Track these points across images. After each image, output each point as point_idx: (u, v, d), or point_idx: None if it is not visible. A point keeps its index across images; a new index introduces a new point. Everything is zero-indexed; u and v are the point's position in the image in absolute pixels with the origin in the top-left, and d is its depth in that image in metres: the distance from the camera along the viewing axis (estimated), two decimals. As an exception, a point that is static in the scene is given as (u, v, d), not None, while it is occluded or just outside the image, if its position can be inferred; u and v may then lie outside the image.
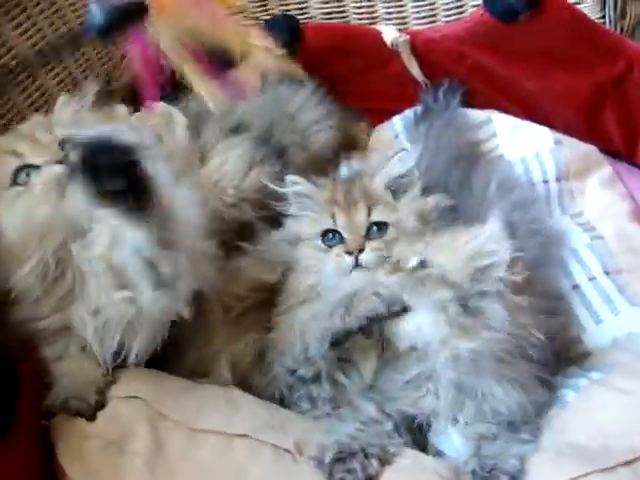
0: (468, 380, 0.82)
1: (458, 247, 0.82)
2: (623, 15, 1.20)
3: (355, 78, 1.27)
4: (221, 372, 0.96)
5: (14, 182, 0.83)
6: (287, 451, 0.83)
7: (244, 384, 0.96)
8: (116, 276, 0.84)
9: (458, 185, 1.05)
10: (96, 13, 0.68)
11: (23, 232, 0.81)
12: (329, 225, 0.94)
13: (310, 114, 1.19)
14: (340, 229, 0.94)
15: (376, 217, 0.94)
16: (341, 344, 0.86)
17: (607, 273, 1.01)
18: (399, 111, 1.28)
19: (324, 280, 0.93)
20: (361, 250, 0.91)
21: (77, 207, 0.81)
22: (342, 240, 0.94)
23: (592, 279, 1.01)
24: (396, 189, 0.97)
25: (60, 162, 0.82)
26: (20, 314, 0.86)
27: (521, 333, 0.82)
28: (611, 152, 1.20)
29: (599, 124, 1.17)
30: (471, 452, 0.81)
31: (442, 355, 0.80)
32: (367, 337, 0.87)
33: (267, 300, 0.96)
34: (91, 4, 0.71)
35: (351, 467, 0.78)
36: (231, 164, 1.05)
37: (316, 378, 0.89)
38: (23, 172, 0.83)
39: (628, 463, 0.73)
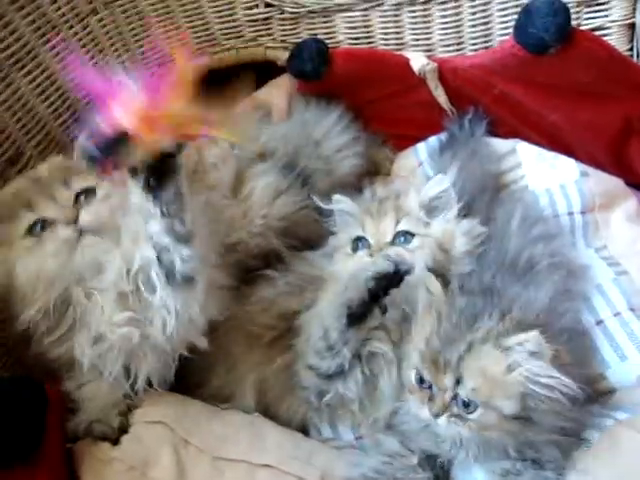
0: None
1: (498, 378, 0.79)
2: (651, 49, 1.20)
3: (381, 104, 1.28)
4: (245, 399, 0.97)
5: (29, 232, 0.88)
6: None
7: (268, 412, 0.96)
8: (121, 300, 0.87)
9: (483, 217, 1.04)
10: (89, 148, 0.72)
11: (33, 278, 0.86)
12: (358, 232, 1.00)
13: (336, 141, 1.20)
14: (367, 236, 0.99)
15: (403, 226, 0.98)
16: (359, 321, 0.87)
17: (632, 310, 1.00)
18: (424, 138, 1.28)
19: (344, 277, 0.94)
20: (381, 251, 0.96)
21: (84, 262, 0.87)
22: (369, 246, 0.99)
23: (617, 314, 1.00)
24: (431, 210, 1.01)
25: (74, 221, 0.87)
26: (35, 347, 0.89)
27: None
28: (637, 186, 1.19)
29: (625, 158, 1.16)
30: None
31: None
32: (383, 312, 0.90)
33: (292, 329, 0.97)
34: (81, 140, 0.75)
35: None
36: (258, 194, 1.06)
37: (341, 373, 0.90)
38: (38, 225, 0.88)
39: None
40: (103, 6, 1.20)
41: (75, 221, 0.87)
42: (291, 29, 1.35)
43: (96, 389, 0.92)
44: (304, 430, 0.98)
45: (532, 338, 0.78)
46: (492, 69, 1.16)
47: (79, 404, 0.91)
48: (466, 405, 0.80)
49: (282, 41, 1.36)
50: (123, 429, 0.90)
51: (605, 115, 1.11)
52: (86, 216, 0.88)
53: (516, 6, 1.22)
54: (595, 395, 0.93)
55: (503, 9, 1.24)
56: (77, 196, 0.90)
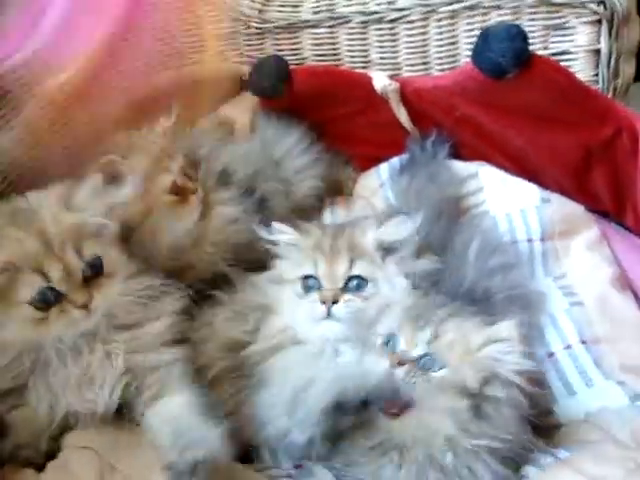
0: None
1: (471, 349, 0.82)
2: (616, 74, 1.19)
3: (344, 122, 1.26)
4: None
5: (33, 302, 0.81)
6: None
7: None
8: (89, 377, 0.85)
9: (439, 244, 1.02)
10: None
11: (18, 342, 0.83)
12: (310, 271, 0.95)
13: (296, 161, 1.18)
14: (319, 276, 0.94)
15: (357, 271, 0.94)
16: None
17: (584, 342, 0.98)
18: (387, 158, 1.26)
19: (297, 325, 0.94)
20: (335, 301, 0.92)
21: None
22: (320, 288, 0.94)
23: (568, 347, 0.98)
24: (388, 251, 0.96)
25: (85, 306, 0.82)
26: None
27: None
28: (600, 211, 1.17)
29: (588, 184, 1.14)
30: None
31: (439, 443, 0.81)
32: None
33: (237, 365, 0.94)
34: None
35: None
36: (213, 222, 1.03)
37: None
38: (46, 296, 0.81)
39: None
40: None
41: (88, 304, 0.83)
42: (257, 44, 1.33)
43: (30, 413, 0.89)
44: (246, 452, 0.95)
45: (509, 325, 0.82)
46: (454, 91, 1.14)
47: (9, 426, 0.88)
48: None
49: (248, 56, 1.34)
50: (51, 453, 0.87)
51: (566, 141, 1.09)
52: (99, 301, 0.83)
53: (482, 27, 1.20)
54: (541, 430, 0.90)
55: (469, 30, 1.23)
56: (87, 266, 0.84)
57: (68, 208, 0.86)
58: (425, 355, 0.82)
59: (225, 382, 0.94)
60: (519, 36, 0.98)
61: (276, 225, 1.00)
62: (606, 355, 0.96)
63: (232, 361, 0.95)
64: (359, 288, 0.93)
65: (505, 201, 1.14)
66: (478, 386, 0.80)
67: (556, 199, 1.14)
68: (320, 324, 0.92)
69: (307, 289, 0.95)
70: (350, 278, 0.93)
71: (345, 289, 0.93)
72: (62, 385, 0.84)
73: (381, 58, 1.29)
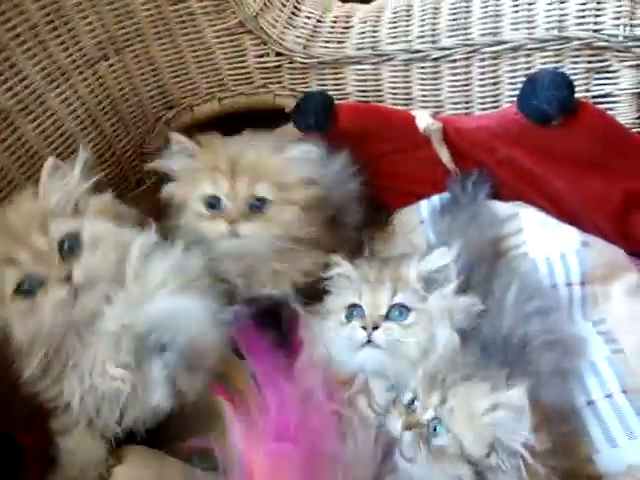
0: None
1: (476, 414, 0.82)
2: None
3: (385, 158, 1.27)
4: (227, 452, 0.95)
5: (18, 292, 0.84)
6: None
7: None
8: (119, 353, 0.86)
9: (479, 287, 1.03)
10: None
11: (31, 337, 0.84)
12: (354, 300, 0.99)
13: (342, 189, 1.18)
14: (363, 305, 0.98)
15: (399, 299, 0.97)
16: None
17: (625, 392, 0.98)
18: (426, 195, 1.27)
19: (335, 353, 0.98)
20: (376, 327, 0.96)
21: (83, 315, 0.85)
22: (363, 315, 0.98)
23: (609, 396, 0.98)
24: (430, 282, 1.00)
25: (67, 278, 0.83)
26: (23, 390, 0.88)
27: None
28: (640, 255, 1.17)
29: (627, 228, 1.14)
30: None
31: None
32: None
33: None
34: None
35: None
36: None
37: None
38: (25, 284, 0.84)
39: None
40: (114, 52, 1.21)
41: (68, 278, 0.84)
42: (300, 78, 1.35)
43: (81, 441, 0.91)
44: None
45: (518, 392, 0.80)
46: (496, 133, 1.15)
47: (60, 455, 0.91)
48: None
49: (291, 89, 1.36)
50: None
51: (606, 188, 1.10)
52: (79, 273, 0.84)
53: (525, 68, 1.21)
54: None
55: (512, 70, 1.23)
56: (60, 245, 0.85)
57: (32, 198, 0.89)
58: (434, 419, 0.84)
59: None
60: (565, 84, 0.99)
61: (333, 258, 1.05)
62: (649, 406, 0.96)
63: None
64: (401, 316, 0.97)
65: (545, 244, 1.15)
66: (482, 454, 0.80)
67: (596, 243, 1.14)
68: (360, 351, 0.96)
69: (350, 317, 0.99)
70: (392, 307, 0.97)
71: (387, 317, 0.97)
72: (89, 367, 0.86)
73: (423, 96, 1.30)
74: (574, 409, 0.97)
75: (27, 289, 0.84)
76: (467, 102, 1.29)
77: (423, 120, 1.20)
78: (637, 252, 1.16)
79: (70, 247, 0.86)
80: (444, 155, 1.22)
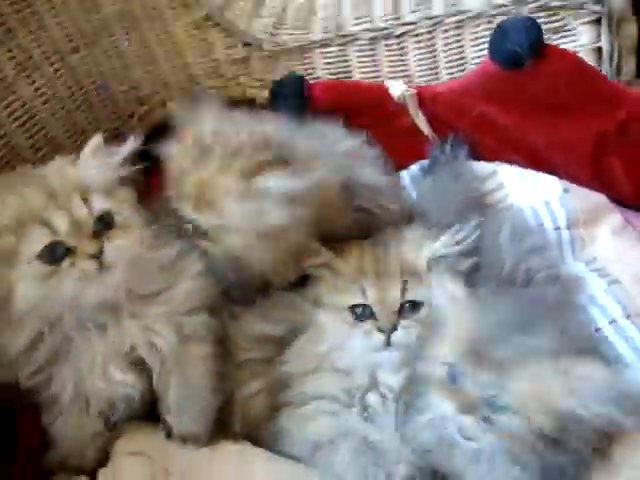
0: None
1: (550, 398, 0.73)
2: (619, 71, 1.24)
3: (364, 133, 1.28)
4: (232, 419, 0.92)
5: (41, 257, 0.79)
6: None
7: (252, 435, 0.91)
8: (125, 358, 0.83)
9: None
10: None
11: (33, 305, 0.79)
12: (359, 299, 0.89)
13: None
14: (371, 304, 0.89)
15: (412, 296, 0.89)
16: None
17: (628, 316, 0.98)
18: (406, 167, 1.28)
19: (350, 355, 0.90)
20: (393, 329, 0.87)
21: (96, 299, 0.81)
22: (372, 314, 0.89)
23: (613, 322, 0.98)
24: (438, 262, 0.92)
25: (95, 256, 0.80)
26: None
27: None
28: (618, 201, 1.20)
29: (606, 173, 1.18)
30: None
31: None
32: None
33: (271, 357, 0.93)
34: None
35: None
36: None
37: None
38: (55, 248, 0.79)
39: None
40: (84, 45, 1.21)
41: (99, 254, 0.80)
42: (269, 68, 1.37)
43: (76, 421, 0.86)
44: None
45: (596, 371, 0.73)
46: (469, 91, 1.19)
47: (55, 435, 0.86)
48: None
49: (260, 80, 1.38)
50: (100, 462, 0.84)
51: (580, 131, 1.13)
52: (111, 252, 0.80)
53: (488, 35, 1.26)
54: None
55: (475, 38, 1.28)
56: (98, 220, 0.82)
57: (73, 165, 0.85)
58: (494, 397, 0.74)
59: (254, 367, 0.93)
60: (534, 26, 1.04)
61: (314, 244, 0.94)
62: (652, 328, 0.97)
63: (260, 353, 0.93)
64: (414, 310, 0.89)
65: (527, 194, 1.17)
66: (555, 427, 0.72)
67: (577, 189, 1.17)
68: (378, 354, 0.88)
69: (359, 317, 0.89)
70: (405, 302, 0.88)
71: (401, 314, 0.88)
72: (88, 365, 0.82)
73: (391, 72, 1.33)
74: (594, 345, 0.96)
75: (53, 255, 0.79)
76: (435, 74, 1.32)
77: (397, 88, 1.23)
78: (615, 199, 1.20)
79: (106, 224, 0.83)
80: (421, 121, 1.24)
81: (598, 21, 1.22)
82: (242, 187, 0.86)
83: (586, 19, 1.22)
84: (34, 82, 1.11)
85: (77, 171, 0.84)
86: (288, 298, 0.97)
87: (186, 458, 0.84)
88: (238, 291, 0.95)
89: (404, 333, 0.87)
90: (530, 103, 1.14)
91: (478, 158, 1.24)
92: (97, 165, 0.86)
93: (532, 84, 1.09)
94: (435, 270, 0.91)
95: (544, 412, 0.72)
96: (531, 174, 1.19)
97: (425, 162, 1.25)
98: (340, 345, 0.90)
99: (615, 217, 1.15)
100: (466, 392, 0.75)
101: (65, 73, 1.17)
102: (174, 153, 0.92)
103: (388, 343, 0.87)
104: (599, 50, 1.24)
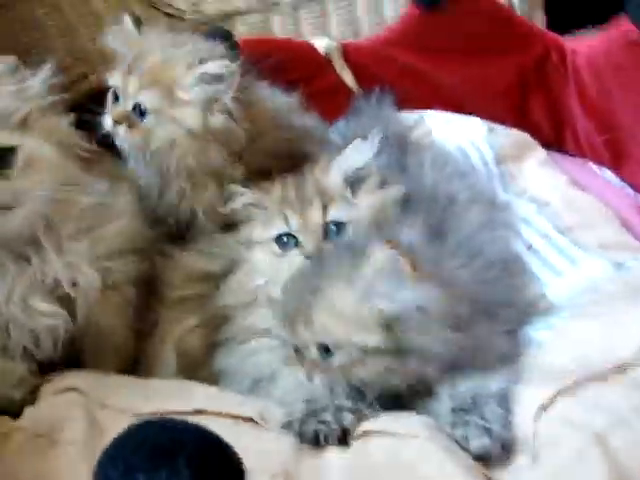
0: None
1: (347, 312, 0.72)
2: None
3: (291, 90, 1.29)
4: (167, 362, 0.87)
5: (278, 241, 0.85)
6: (250, 419, 0.74)
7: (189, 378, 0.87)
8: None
9: (392, 170, 1.02)
10: None
11: None
12: (283, 229, 0.88)
13: None
14: (294, 232, 0.87)
15: (333, 216, 0.88)
16: None
17: (560, 231, 1.00)
18: (332, 122, 1.28)
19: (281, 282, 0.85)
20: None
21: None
22: (298, 243, 0.87)
23: (545, 237, 1.00)
24: (355, 182, 0.91)
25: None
26: None
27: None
28: (541, 144, 1.23)
29: (526, 116, 1.22)
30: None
31: None
32: None
33: (206, 294, 0.91)
34: None
35: (324, 419, 0.70)
36: None
37: None
38: (284, 238, 0.85)
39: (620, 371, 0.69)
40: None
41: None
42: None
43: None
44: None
45: (382, 255, 0.71)
46: (392, 41, 1.22)
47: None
48: (327, 351, 0.72)
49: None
50: (27, 403, 0.78)
51: (499, 69, 1.17)
52: (4, 195, 0.75)
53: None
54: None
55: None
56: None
57: None
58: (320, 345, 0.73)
59: (188, 305, 0.90)
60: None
61: (232, 188, 0.93)
62: (582, 238, 0.99)
63: (195, 290, 0.91)
64: (340, 233, 0.87)
65: (454, 136, 1.19)
66: (382, 338, 0.71)
67: (501, 129, 1.19)
68: None
69: (285, 247, 0.88)
70: (328, 224, 0.87)
71: (326, 237, 0.87)
72: (4, 296, 0.77)
73: (314, 35, 1.35)
74: (516, 256, 0.98)
75: (283, 244, 0.85)
76: (355, 35, 1.35)
77: (323, 42, 1.24)
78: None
79: (3, 163, 0.76)
80: (346, 75, 1.26)
81: (507, -29, 1.28)
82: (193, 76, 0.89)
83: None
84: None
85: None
86: (221, 238, 0.95)
87: (122, 392, 0.79)
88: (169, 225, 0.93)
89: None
90: (449, 48, 1.18)
91: (405, 108, 1.26)
92: (5, 92, 0.79)
93: (450, 26, 1.13)
94: (359, 195, 0.90)
95: (353, 327, 0.71)
96: (456, 117, 1.21)
97: (349, 113, 1.25)
98: (273, 277, 0.87)
99: (540, 152, 1.18)
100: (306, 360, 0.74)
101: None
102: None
103: None
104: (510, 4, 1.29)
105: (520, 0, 1.28)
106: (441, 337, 0.69)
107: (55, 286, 0.80)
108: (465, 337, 0.71)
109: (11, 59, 0.83)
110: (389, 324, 0.70)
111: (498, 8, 1.13)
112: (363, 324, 0.71)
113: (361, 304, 0.71)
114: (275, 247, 0.88)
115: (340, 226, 0.87)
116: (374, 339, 0.70)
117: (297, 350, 0.76)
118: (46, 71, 0.83)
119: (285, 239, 0.88)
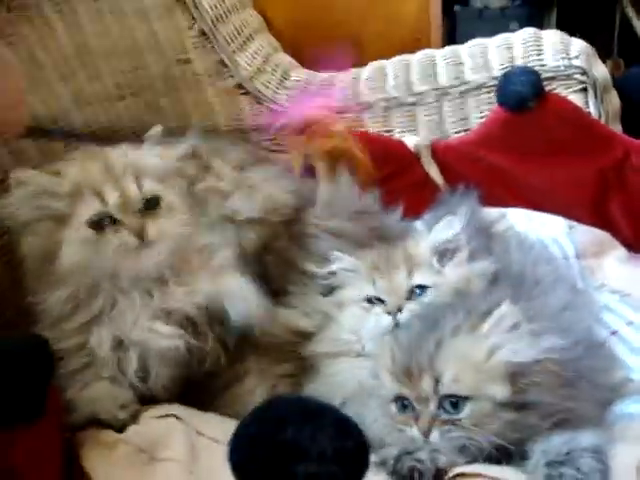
0: None
1: (479, 364, 0.75)
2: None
3: (380, 185, 1.38)
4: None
5: (89, 224, 0.87)
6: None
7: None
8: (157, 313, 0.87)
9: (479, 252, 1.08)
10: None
11: (76, 266, 0.85)
12: (370, 292, 0.95)
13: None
14: (380, 294, 0.94)
15: (417, 280, 0.95)
16: None
17: (645, 320, 1.02)
18: (420, 216, 1.36)
19: (363, 338, 0.94)
20: (400, 309, 0.92)
21: (135, 270, 0.88)
22: (384, 304, 0.94)
23: (630, 324, 1.01)
24: (442, 254, 1.00)
25: (137, 234, 0.87)
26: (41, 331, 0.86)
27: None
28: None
29: (607, 215, 1.26)
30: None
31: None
32: None
33: (297, 343, 0.97)
34: None
35: (419, 458, 0.71)
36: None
37: None
38: (103, 218, 0.87)
39: None
40: (130, 95, 1.35)
41: (141, 231, 0.87)
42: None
43: (105, 389, 0.86)
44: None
45: (505, 310, 0.76)
46: (478, 142, 1.31)
47: (82, 401, 0.84)
48: (454, 405, 0.73)
49: (283, 145, 1.50)
50: (129, 422, 0.82)
51: (582, 170, 1.24)
52: (153, 231, 0.87)
53: (490, 102, 1.41)
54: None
55: (477, 106, 1.43)
56: (146, 200, 0.90)
57: (135, 149, 0.95)
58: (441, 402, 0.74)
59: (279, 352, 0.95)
60: (533, 72, 1.19)
61: (335, 253, 1.02)
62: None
63: (290, 341, 0.97)
64: (422, 295, 0.94)
65: (536, 232, 1.24)
66: (509, 391, 0.73)
67: (581, 227, 1.25)
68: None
69: (372, 306, 0.95)
70: (412, 288, 0.94)
71: (410, 298, 0.93)
72: (131, 322, 0.86)
73: (403, 137, 1.47)
74: (600, 341, 0.99)
75: (100, 224, 0.87)
76: (442, 138, 1.46)
77: (413, 140, 1.35)
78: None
79: (152, 206, 0.90)
80: (433, 170, 1.35)
81: (584, 90, 1.38)
82: None
83: (575, 88, 1.38)
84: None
85: (136, 154, 0.95)
86: (317, 299, 1.02)
87: (216, 425, 0.82)
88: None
89: (409, 313, 0.91)
90: (534, 149, 1.26)
91: (488, 206, 1.33)
92: (156, 153, 0.96)
93: (537, 127, 1.22)
94: (446, 266, 0.98)
95: (482, 377, 0.73)
96: (537, 214, 1.28)
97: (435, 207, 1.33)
98: (358, 330, 0.94)
99: (620, 249, 1.22)
100: (419, 414, 0.74)
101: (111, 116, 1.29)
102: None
103: (397, 325, 0.91)
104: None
105: (598, 111, 1.37)
106: (560, 392, 0.72)
107: (176, 313, 0.88)
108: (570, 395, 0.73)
109: (159, 128, 1.02)
110: (513, 377, 0.73)
111: (581, 113, 1.23)
112: (492, 375, 0.74)
113: (488, 356, 0.74)
114: (364, 304, 0.96)
115: (423, 288, 0.94)
116: (503, 390, 0.73)
117: (404, 406, 0.76)
118: (187, 145, 1.03)
119: (373, 300, 0.95)
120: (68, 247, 0.85)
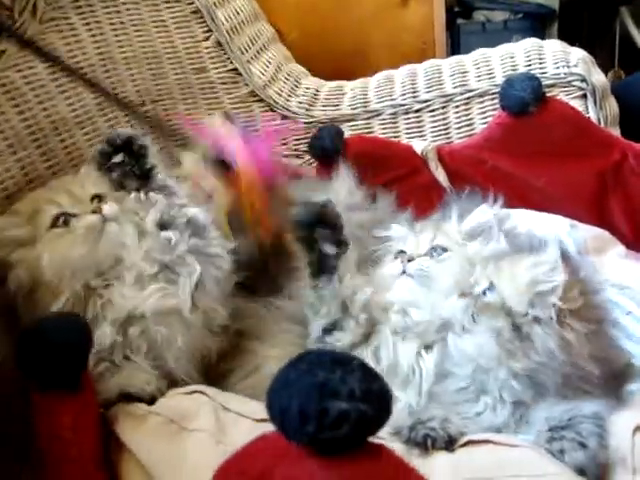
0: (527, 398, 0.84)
1: (518, 273, 0.87)
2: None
3: (389, 187, 1.44)
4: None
5: (54, 225, 0.95)
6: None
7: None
8: (140, 281, 0.96)
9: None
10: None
11: (60, 267, 0.92)
12: (400, 247, 1.05)
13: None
14: (406, 249, 1.03)
15: (438, 241, 1.02)
16: None
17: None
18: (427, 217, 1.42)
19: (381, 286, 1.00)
20: (410, 260, 1.00)
21: (107, 250, 0.95)
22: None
23: (629, 313, 1.06)
24: (472, 235, 1.05)
25: (95, 212, 0.96)
26: None
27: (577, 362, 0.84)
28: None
29: (606, 217, 1.32)
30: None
31: (499, 372, 0.84)
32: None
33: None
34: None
35: (432, 426, 0.76)
36: None
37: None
38: (61, 218, 0.96)
39: None
40: (150, 101, 1.41)
41: (97, 210, 0.96)
42: (304, 139, 1.57)
43: (130, 370, 0.91)
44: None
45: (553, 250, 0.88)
46: (482, 146, 1.37)
47: (109, 384, 0.89)
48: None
49: (295, 150, 1.57)
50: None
51: (581, 172, 1.30)
52: (109, 207, 0.96)
53: (493, 109, 1.48)
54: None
55: (482, 112, 1.49)
56: (92, 197, 0.99)
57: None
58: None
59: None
60: (535, 77, 1.25)
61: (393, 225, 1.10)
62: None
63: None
64: (437, 255, 1.00)
65: (538, 231, 1.30)
66: (522, 309, 0.83)
67: (582, 225, 1.30)
68: (397, 281, 0.99)
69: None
70: (432, 248, 1.01)
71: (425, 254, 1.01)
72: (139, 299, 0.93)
73: (410, 142, 1.53)
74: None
75: (62, 223, 0.96)
76: (448, 143, 1.52)
77: (420, 144, 1.42)
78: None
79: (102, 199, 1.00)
80: (440, 174, 1.41)
81: (584, 96, 1.45)
82: None
83: (575, 94, 1.45)
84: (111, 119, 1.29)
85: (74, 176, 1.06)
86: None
87: (242, 401, 0.87)
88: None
89: (417, 263, 0.99)
90: (536, 152, 1.32)
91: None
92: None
93: (537, 131, 1.28)
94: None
95: (514, 288, 0.84)
96: (539, 215, 1.33)
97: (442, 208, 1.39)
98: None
99: (619, 247, 1.27)
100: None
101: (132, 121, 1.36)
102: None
103: (404, 271, 0.98)
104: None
105: (597, 117, 1.43)
106: (562, 344, 0.79)
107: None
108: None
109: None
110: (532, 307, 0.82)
111: (581, 116, 1.29)
112: (522, 292, 0.83)
113: (530, 278, 0.84)
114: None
115: (440, 251, 1.01)
116: (518, 308, 0.82)
117: None
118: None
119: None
120: (45, 255, 0.92)
